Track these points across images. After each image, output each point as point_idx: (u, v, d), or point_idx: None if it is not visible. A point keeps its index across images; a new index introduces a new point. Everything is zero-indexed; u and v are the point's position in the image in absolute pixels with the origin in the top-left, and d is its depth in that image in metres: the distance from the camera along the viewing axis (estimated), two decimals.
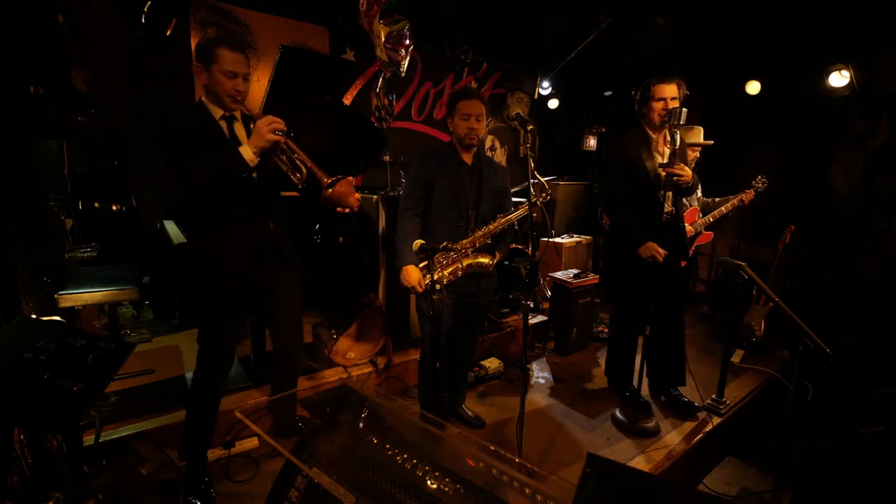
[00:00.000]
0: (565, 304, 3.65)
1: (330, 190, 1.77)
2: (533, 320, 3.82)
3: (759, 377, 3.31)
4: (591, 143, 5.63)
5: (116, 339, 2.54)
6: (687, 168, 2.42)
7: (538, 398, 3.04)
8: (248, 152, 1.72)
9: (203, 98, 1.86)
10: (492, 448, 1.18)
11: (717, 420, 2.74)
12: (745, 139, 4.61)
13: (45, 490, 1.53)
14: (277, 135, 1.72)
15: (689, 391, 2.90)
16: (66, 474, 1.50)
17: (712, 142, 3.36)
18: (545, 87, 5.43)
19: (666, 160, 2.43)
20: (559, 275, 3.76)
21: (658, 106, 2.45)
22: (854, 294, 3.86)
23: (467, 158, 2.27)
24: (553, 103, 5.52)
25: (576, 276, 3.69)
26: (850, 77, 3.83)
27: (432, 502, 1.06)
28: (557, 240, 4.33)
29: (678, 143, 2.34)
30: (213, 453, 2.20)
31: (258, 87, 3.54)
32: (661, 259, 2.47)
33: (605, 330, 3.98)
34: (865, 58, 3.79)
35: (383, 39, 2.98)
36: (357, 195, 1.85)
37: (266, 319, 2.22)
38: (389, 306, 3.20)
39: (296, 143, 1.81)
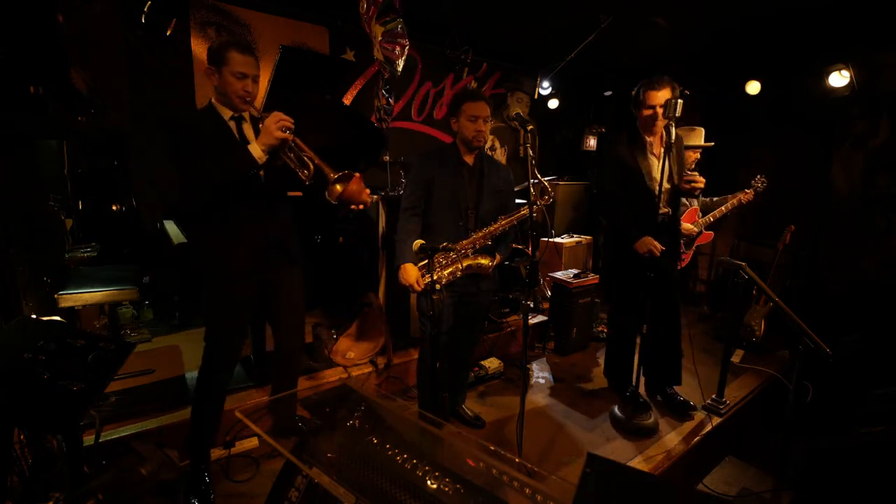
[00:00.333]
0: (565, 304, 3.65)
1: (341, 188, 1.82)
2: (533, 320, 3.82)
3: (759, 377, 3.31)
4: (591, 143, 5.62)
5: (116, 339, 2.54)
6: (699, 177, 2.46)
7: (538, 398, 3.04)
8: (256, 150, 1.75)
9: (213, 100, 1.90)
10: (492, 448, 1.18)
11: (717, 420, 2.74)
12: (745, 139, 4.61)
13: (45, 490, 1.53)
14: (286, 132, 1.75)
15: (690, 391, 2.90)
16: (66, 474, 1.50)
17: (713, 143, 3.36)
18: (545, 87, 5.43)
19: (661, 162, 2.44)
20: (559, 275, 3.76)
21: (647, 113, 2.46)
22: (854, 294, 3.86)
23: (469, 159, 2.27)
24: (553, 103, 5.52)
25: (576, 276, 3.69)
26: (850, 77, 3.83)
27: (432, 502, 1.06)
28: (557, 240, 4.33)
29: (673, 137, 2.31)
30: (214, 453, 2.19)
31: (258, 87, 3.53)
32: (657, 253, 2.47)
33: (605, 330, 3.98)
34: (865, 58, 3.79)
35: (379, 39, 3.00)
36: (367, 191, 1.92)
37: (270, 318, 2.23)
38: (389, 306, 3.20)
39: None
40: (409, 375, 3.06)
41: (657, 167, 2.51)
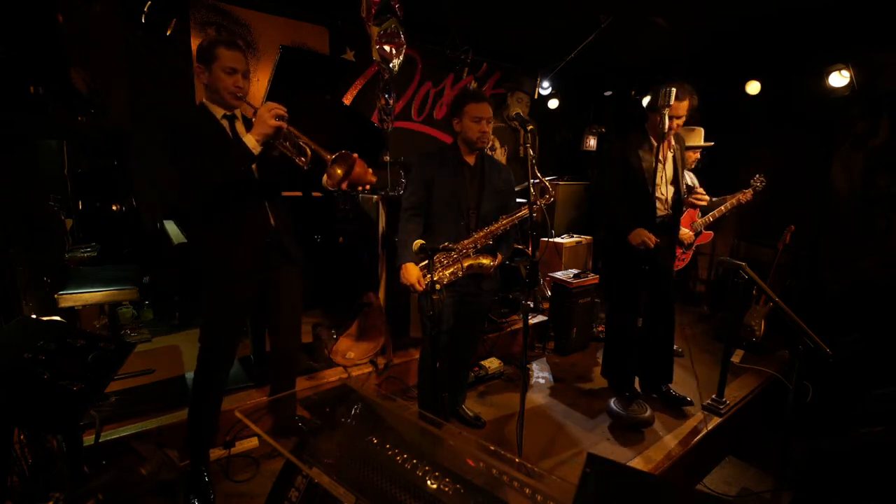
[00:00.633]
0: (565, 304, 3.65)
1: (342, 172, 1.82)
2: (533, 320, 3.82)
3: (759, 377, 3.31)
4: (591, 143, 5.62)
5: (116, 339, 2.54)
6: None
7: (538, 398, 3.04)
8: (251, 140, 1.74)
9: (204, 100, 1.90)
10: (492, 448, 1.18)
11: (716, 420, 2.74)
12: (745, 139, 4.61)
13: (45, 490, 1.53)
14: (279, 121, 1.75)
15: (690, 391, 2.90)
16: (66, 474, 1.50)
17: (713, 143, 3.36)
18: (545, 87, 5.43)
19: (669, 166, 2.45)
20: (559, 275, 3.76)
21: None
22: (854, 294, 3.85)
23: (470, 159, 2.27)
24: (553, 103, 5.52)
25: (576, 276, 3.69)
26: (850, 77, 3.83)
27: (432, 502, 1.06)
28: (557, 240, 4.33)
29: (666, 126, 2.30)
30: (214, 453, 2.19)
31: (258, 87, 3.54)
32: (651, 244, 2.47)
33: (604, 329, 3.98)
34: (865, 58, 3.79)
35: (375, 38, 3.02)
36: (371, 170, 1.92)
37: (268, 318, 2.23)
38: (389, 306, 3.20)
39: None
40: (409, 375, 3.06)
41: (661, 170, 2.51)
